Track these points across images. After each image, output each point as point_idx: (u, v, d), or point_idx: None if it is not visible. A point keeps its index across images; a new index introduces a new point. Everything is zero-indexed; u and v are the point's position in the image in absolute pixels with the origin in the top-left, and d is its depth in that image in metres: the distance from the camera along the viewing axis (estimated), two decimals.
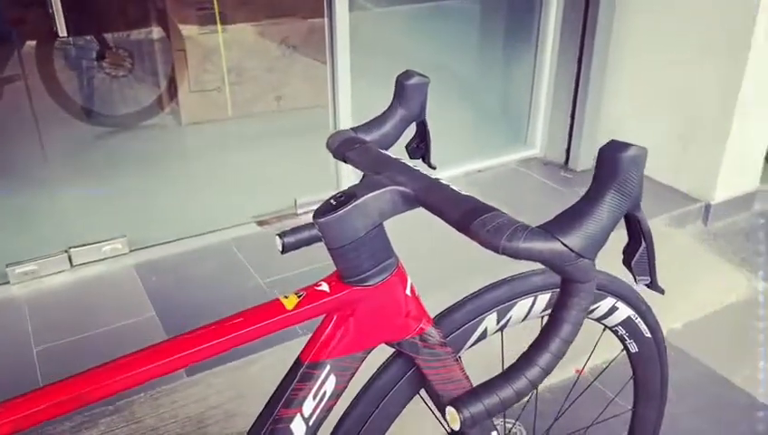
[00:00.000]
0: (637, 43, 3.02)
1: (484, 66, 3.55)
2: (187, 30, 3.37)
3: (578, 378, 1.58)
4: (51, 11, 2.18)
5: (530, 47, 3.28)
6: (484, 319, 0.99)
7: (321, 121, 2.95)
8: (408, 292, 0.88)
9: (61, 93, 3.27)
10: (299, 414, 0.85)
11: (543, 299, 1.03)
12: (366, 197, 0.78)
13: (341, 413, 0.95)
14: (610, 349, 1.27)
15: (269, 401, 0.86)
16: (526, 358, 0.70)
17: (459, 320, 0.97)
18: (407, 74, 1.00)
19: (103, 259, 2.33)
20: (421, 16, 3.45)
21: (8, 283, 2.21)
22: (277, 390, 0.86)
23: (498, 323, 1.00)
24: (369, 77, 2.94)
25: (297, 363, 0.87)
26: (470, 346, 0.99)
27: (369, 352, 0.88)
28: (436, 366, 0.92)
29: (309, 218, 2.75)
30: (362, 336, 0.86)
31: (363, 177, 0.94)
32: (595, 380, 1.48)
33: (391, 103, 1.00)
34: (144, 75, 3.62)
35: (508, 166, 3.29)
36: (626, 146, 0.64)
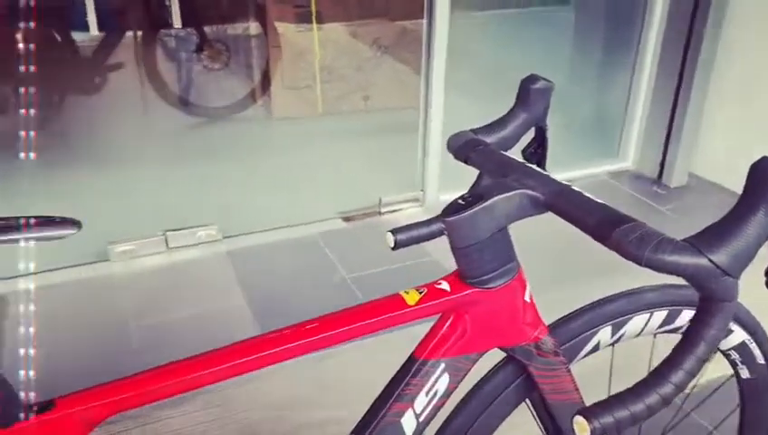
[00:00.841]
0: (746, 53, 2.89)
1: (578, 74, 3.48)
2: (284, 27, 3.45)
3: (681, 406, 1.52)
4: (168, 3, 2.27)
5: (628, 57, 3.19)
6: (598, 331, 0.96)
7: (409, 122, 2.96)
8: (526, 298, 0.87)
9: (160, 82, 3.41)
10: (410, 409, 0.86)
11: (660, 316, 1.00)
12: (495, 199, 0.77)
13: (448, 413, 0.95)
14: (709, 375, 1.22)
15: (381, 394, 0.87)
16: (660, 374, 0.68)
17: (574, 330, 0.95)
18: (532, 78, 0.99)
19: (197, 244, 2.41)
20: (519, 22, 3.42)
21: (108, 260, 2.32)
22: (390, 384, 0.87)
23: (612, 336, 0.98)
24: (461, 80, 2.93)
25: (411, 359, 0.87)
26: (582, 358, 0.97)
27: (482, 355, 0.88)
28: (548, 375, 0.91)
29: (392, 217, 2.78)
30: (478, 338, 0.86)
31: (479, 178, 0.94)
32: (695, 408, 1.42)
33: (513, 106, 0.99)
34: (239, 69, 3.74)
35: (598, 177, 3.21)
36: None
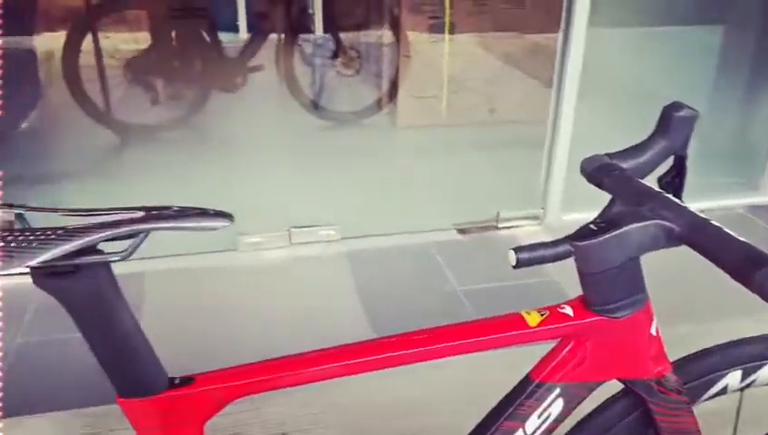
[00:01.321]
0: None
1: (720, 97, 3.28)
2: (416, 37, 3.51)
3: None
4: (310, 11, 2.39)
5: None
6: (727, 374, 0.92)
7: (534, 137, 2.92)
8: (652, 331, 0.85)
9: (295, 85, 3.57)
10: (521, 429, 0.86)
11: None
12: (629, 227, 0.76)
13: None
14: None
15: (493, 411, 0.88)
16: None
17: (701, 370, 0.91)
18: (675, 105, 0.95)
19: (318, 242, 2.51)
20: (660, 39, 3.28)
21: (236, 250, 2.47)
22: (503, 401, 0.88)
23: (742, 381, 0.93)
24: (593, 98, 2.86)
25: (526, 380, 0.87)
26: (706, 399, 0.93)
27: (600, 384, 0.87)
28: (668, 413, 0.88)
29: (509, 233, 2.73)
30: (598, 368, 0.85)
31: (611, 203, 0.92)
32: None
33: (653, 133, 0.97)
34: (369, 76, 3.84)
35: (733, 210, 3.01)
36: None
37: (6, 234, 0.66)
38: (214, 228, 0.71)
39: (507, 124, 3.45)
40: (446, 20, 3.44)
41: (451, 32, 3.48)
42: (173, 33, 3.58)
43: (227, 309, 2.16)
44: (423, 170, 3.11)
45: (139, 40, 3.77)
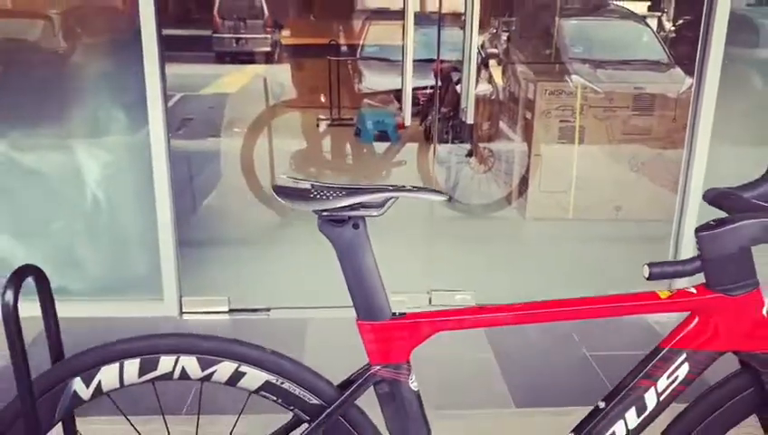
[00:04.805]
0: None
1: None
2: (548, 139, 3.86)
3: None
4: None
5: None
6: None
7: (659, 234, 3.09)
8: (764, 312, 1.06)
9: (431, 180, 4.02)
10: (653, 387, 1.08)
11: None
12: (742, 223, 1.02)
13: (679, 412, 1.14)
14: None
15: (632, 371, 1.11)
16: None
17: None
18: None
19: (454, 306, 2.79)
20: None
21: None
22: (639, 363, 1.11)
23: None
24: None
25: (658, 348, 1.10)
26: None
27: (721, 354, 1.08)
28: None
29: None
30: (718, 338, 1.07)
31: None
32: None
33: (766, 171, 1.21)
34: (501, 173, 4.22)
35: None
36: None
37: (310, 188, 1.02)
38: (440, 199, 1.04)
39: (632, 221, 3.64)
40: (576, 124, 3.77)
41: (581, 135, 3.80)
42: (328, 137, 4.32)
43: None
44: (554, 255, 3.32)
45: (301, 140, 4.45)
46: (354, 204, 1.01)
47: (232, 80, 7.52)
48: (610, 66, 4.28)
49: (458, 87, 3.40)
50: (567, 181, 3.81)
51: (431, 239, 3.27)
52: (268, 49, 8.73)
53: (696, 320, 1.08)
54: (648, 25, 5.57)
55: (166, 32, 2.51)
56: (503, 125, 4.35)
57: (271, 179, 3.87)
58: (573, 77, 4.08)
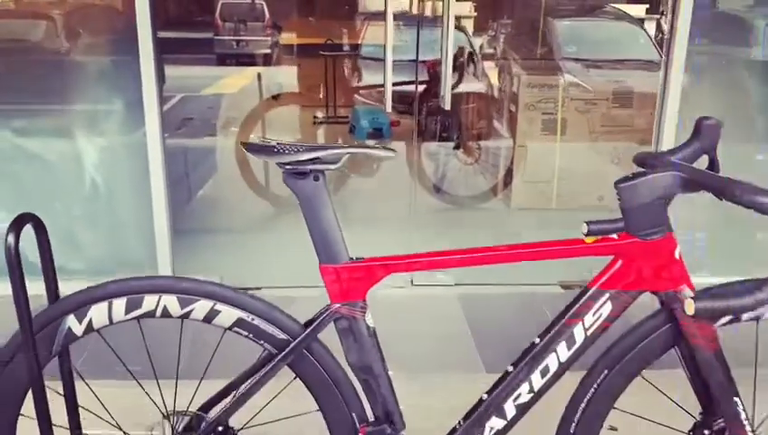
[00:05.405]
0: None
1: None
2: (531, 131, 4.00)
3: None
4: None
5: None
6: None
7: None
8: (676, 256, 1.20)
9: (422, 173, 4.18)
10: (581, 323, 1.22)
11: None
12: (654, 175, 1.16)
13: (605, 349, 1.27)
14: None
15: (561, 312, 1.25)
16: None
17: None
18: (705, 117, 1.34)
19: (434, 285, 2.93)
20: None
21: None
22: (569, 304, 1.25)
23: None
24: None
25: (585, 289, 1.24)
26: (723, 324, 1.23)
27: (639, 294, 1.22)
28: (693, 327, 1.20)
29: None
30: (636, 279, 1.20)
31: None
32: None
33: (690, 138, 1.34)
34: (487, 165, 4.37)
35: None
36: None
37: (275, 145, 1.17)
38: (388, 156, 1.19)
39: (616, 209, 3.77)
40: (558, 116, 3.92)
41: (563, 131, 3.94)
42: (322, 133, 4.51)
43: None
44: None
45: (296, 133, 4.61)
46: (314, 158, 1.15)
47: (232, 81, 7.71)
48: (603, 65, 4.44)
49: None
50: (550, 172, 3.95)
51: (417, 228, 3.42)
52: (268, 50, 8.93)
53: (619, 263, 1.22)
54: (642, 27, 5.73)
55: (166, 34, 2.68)
56: (490, 118, 4.50)
57: (264, 172, 4.02)
58: (566, 75, 4.22)
